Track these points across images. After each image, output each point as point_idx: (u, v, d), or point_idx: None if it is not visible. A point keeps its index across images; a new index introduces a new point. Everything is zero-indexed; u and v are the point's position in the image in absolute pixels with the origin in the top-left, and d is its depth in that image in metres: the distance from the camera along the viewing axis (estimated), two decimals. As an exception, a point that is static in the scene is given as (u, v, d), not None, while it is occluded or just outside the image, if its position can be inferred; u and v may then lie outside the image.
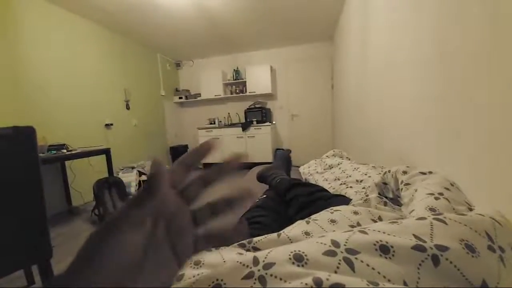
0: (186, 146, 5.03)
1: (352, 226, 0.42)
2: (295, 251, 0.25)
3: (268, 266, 0.23)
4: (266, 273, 0.23)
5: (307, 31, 4.02)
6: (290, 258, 0.24)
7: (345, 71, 3.17)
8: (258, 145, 4.52)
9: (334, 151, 1.60)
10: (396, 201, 0.65)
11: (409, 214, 0.45)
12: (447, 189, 0.47)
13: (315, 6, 3.16)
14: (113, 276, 0.17)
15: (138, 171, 3.51)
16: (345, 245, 0.26)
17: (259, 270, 0.23)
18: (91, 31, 3.25)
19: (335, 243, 0.27)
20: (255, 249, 0.33)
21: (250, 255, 0.25)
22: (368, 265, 0.24)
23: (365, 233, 0.28)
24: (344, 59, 3.22)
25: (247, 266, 0.24)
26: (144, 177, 3.49)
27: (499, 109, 0.59)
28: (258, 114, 4.59)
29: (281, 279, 0.22)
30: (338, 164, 1.30)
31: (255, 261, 0.24)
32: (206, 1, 2.90)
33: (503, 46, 0.58)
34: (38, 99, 2.57)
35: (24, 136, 0.95)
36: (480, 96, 0.66)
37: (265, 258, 0.24)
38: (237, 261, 0.25)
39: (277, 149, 4.80)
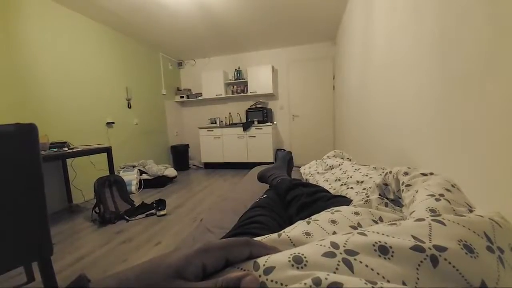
0: (187, 145, 5.04)
1: (353, 227, 0.42)
2: (294, 253, 0.25)
3: (268, 271, 0.23)
4: (267, 279, 0.23)
5: (309, 31, 4.02)
6: (289, 261, 0.24)
7: (347, 72, 3.17)
8: (259, 145, 4.52)
9: (335, 151, 1.60)
10: (397, 202, 0.65)
11: (410, 215, 0.45)
12: (448, 190, 0.47)
13: (317, 7, 3.16)
14: None
15: (139, 169, 3.53)
16: (344, 246, 0.26)
17: (260, 276, 0.23)
18: (93, 29, 3.26)
19: (334, 245, 0.27)
20: None
21: (250, 261, 0.25)
22: (367, 265, 0.24)
23: (364, 235, 0.28)
24: (346, 59, 3.22)
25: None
26: (145, 176, 3.50)
27: (501, 109, 0.59)
28: (259, 114, 4.59)
29: (281, 283, 0.22)
30: (339, 165, 1.29)
31: (256, 266, 0.24)
32: (209, 1, 2.90)
33: (504, 46, 0.57)
34: (40, 97, 2.58)
35: (26, 133, 0.95)
36: (482, 96, 0.66)
37: (265, 262, 0.24)
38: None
39: (278, 149, 4.84)
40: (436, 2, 0.90)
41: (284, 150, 4.86)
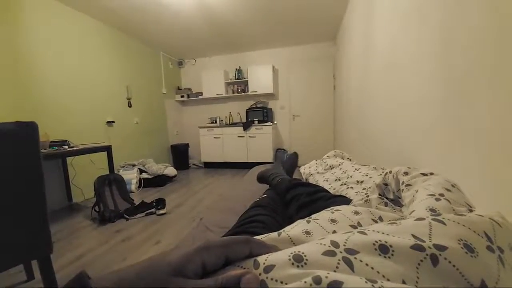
0: (187, 145, 5.04)
1: (353, 226, 0.42)
2: (294, 252, 0.25)
3: (268, 269, 0.23)
4: (267, 277, 0.23)
5: (310, 31, 4.01)
6: (289, 259, 0.24)
7: (347, 72, 3.17)
8: (259, 145, 4.52)
9: (335, 151, 1.60)
10: (397, 202, 0.65)
11: (410, 215, 0.45)
12: (448, 190, 0.47)
13: (318, 7, 3.15)
14: None
15: (139, 168, 3.53)
16: (344, 245, 0.26)
17: (260, 274, 0.23)
18: (94, 28, 3.26)
19: (335, 244, 0.27)
20: None
21: (250, 259, 0.25)
22: (367, 264, 0.24)
23: (364, 233, 0.28)
24: (346, 59, 3.22)
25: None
26: (145, 175, 3.50)
27: (501, 110, 0.59)
28: (260, 113, 4.59)
29: (281, 282, 0.22)
30: (339, 165, 1.29)
31: (256, 264, 0.24)
32: (210, 1, 2.90)
33: (506, 47, 0.57)
34: (41, 96, 2.58)
35: (26, 131, 0.95)
36: (483, 97, 0.66)
37: (265, 260, 0.24)
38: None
39: (278, 149, 4.83)
40: (439, 2, 0.90)
41: (284, 150, 4.87)
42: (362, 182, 1.01)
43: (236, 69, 4.88)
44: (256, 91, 4.66)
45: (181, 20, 3.38)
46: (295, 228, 0.38)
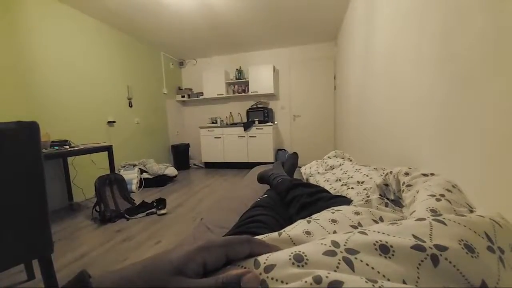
0: (187, 145, 5.04)
1: (353, 226, 0.42)
2: (295, 251, 0.25)
3: (269, 268, 0.24)
4: (268, 277, 0.23)
5: (311, 31, 4.01)
6: (290, 259, 0.24)
7: (348, 72, 3.16)
8: (259, 145, 4.52)
9: (335, 152, 1.60)
10: (397, 203, 0.65)
11: (410, 215, 0.45)
12: (449, 190, 0.47)
13: (319, 7, 3.16)
14: None
15: (140, 168, 3.53)
16: (345, 245, 0.26)
17: (260, 274, 0.23)
18: (95, 28, 3.27)
19: (335, 244, 0.27)
20: None
21: (251, 259, 0.25)
22: (367, 264, 0.24)
23: (365, 234, 0.28)
24: (347, 60, 3.22)
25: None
26: (145, 175, 3.51)
27: (503, 110, 0.59)
28: (260, 114, 4.59)
29: (282, 281, 0.22)
30: (340, 165, 1.29)
31: (256, 264, 0.24)
32: (211, 1, 2.91)
33: (507, 48, 0.57)
34: (42, 96, 2.59)
35: (27, 130, 0.95)
36: (484, 97, 0.66)
37: (266, 260, 0.25)
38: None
39: (279, 149, 4.83)
40: (439, 3, 0.90)
41: (285, 150, 4.87)
42: (362, 182, 1.00)
43: (237, 69, 4.89)
44: (256, 92, 4.66)
45: (181, 20, 3.38)
46: (296, 228, 0.38)
